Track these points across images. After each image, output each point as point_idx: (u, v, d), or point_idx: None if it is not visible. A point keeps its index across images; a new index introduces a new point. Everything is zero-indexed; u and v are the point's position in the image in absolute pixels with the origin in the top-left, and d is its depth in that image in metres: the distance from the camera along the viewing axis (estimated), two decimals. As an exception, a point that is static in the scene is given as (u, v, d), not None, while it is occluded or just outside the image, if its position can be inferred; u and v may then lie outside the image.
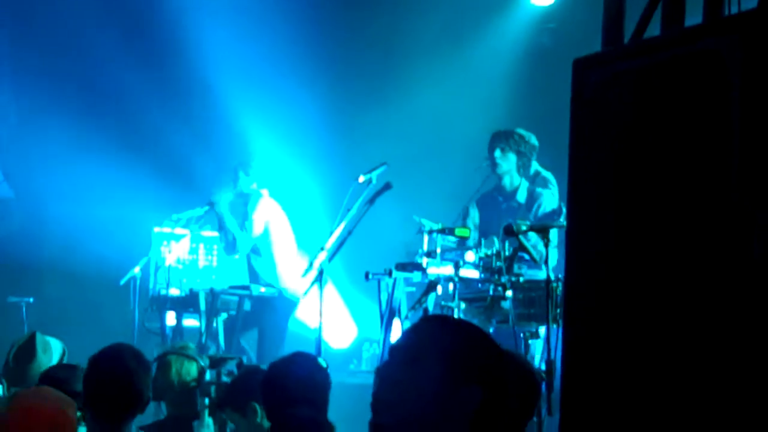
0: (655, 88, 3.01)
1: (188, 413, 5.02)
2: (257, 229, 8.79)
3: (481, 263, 6.34)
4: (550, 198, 7.93)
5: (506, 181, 7.95)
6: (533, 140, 9.36)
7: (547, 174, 9.25)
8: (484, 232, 7.65)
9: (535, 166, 9.36)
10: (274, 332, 8.69)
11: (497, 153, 7.82)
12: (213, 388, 4.97)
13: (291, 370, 4.21)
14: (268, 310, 8.67)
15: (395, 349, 2.64)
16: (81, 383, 4.19)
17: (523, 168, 7.96)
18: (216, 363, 5.25)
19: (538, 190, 7.96)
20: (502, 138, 7.90)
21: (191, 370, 5.14)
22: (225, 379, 5.03)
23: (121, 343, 4.41)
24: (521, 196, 7.89)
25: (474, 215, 7.96)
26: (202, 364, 5.20)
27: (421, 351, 2.58)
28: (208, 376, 5.17)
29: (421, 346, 2.59)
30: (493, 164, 7.87)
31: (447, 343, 2.56)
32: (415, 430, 2.52)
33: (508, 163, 7.85)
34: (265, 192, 8.96)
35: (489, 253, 6.28)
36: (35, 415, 3.49)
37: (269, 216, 8.90)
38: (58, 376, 4.58)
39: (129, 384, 4.05)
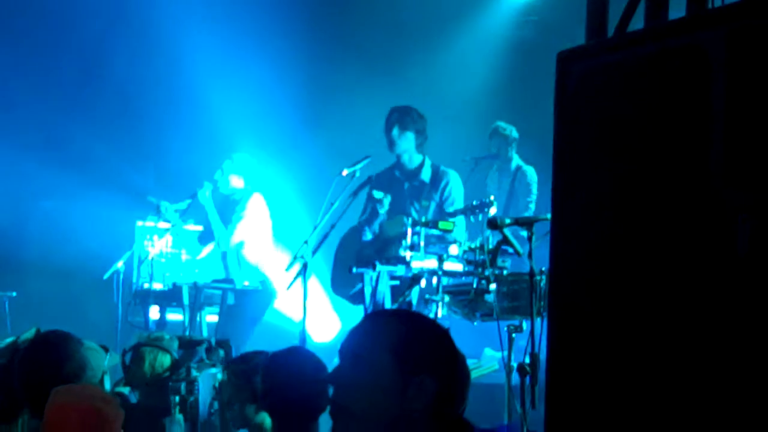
0: (639, 81, 3.01)
1: (159, 404, 5.03)
2: (242, 232, 8.77)
3: (465, 256, 6.32)
4: (456, 178, 7.68)
5: (405, 159, 7.70)
6: (513, 133, 9.32)
7: (528, 169, 9.17)
8: (388, 212, 7.45)
9: (516, 160, 9.31)
10: (245, 321, 8.66)
11: (395, 132, 7.55)
12: (183, 386, 4.97)
13: (293, 362, 4.23)
14: (251, 302, 8.66)
15: (342, 351, 2.60)
16: None
17: (421, 146, 7.64)
18: (186, 344, 5.25)
19: (443, 168, 7.68)
20: (400, 115, 7.58)
21: (164, 362, 5.13)
22: (195, 373, 5.03)
23: (47, 336, 4.45)
24: (425, 175, 7.64)
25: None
26: (176, 356, 5.19)
27: (365, 348, 2.54)
28: (183, 373, 5.15)
29: (366, 343, 2.56)
30: (391, 143, 7.59)
31: (392, 337, 2.52)
32: (375, 427, 2.50)
33: (406, 141, 7.59)
34: (258, 195, 8.92)
35: (473, 246, 6.26)
36: (68, 412, 3.50)
37: (258, 218, 8.88)
38: None
39: (57, 379, 4.09)
